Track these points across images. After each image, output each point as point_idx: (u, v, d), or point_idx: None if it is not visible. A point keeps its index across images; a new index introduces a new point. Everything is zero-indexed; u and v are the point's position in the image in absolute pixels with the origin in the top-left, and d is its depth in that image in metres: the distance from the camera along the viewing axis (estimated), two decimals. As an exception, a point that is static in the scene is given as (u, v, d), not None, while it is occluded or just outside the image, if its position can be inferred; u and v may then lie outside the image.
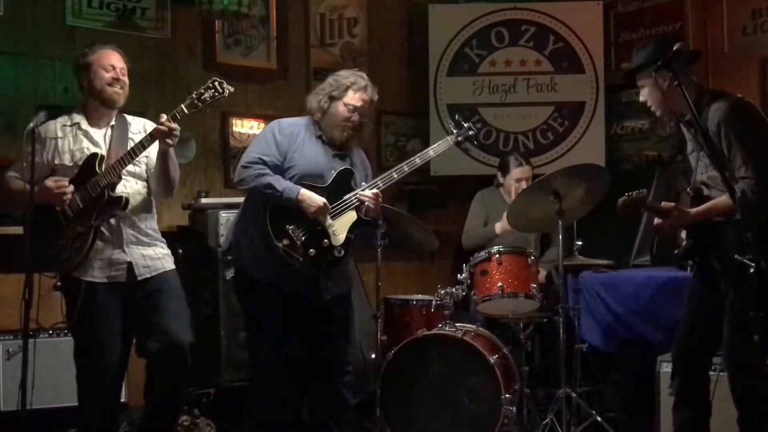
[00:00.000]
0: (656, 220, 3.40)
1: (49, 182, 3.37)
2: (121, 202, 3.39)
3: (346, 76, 3.74)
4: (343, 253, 3.59)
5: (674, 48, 3.10)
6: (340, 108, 3.67)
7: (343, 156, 3.75)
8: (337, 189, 3.63)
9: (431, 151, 3.84)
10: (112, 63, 3.47)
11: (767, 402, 3.26)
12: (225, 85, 3.31)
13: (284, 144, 3.65)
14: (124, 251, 3.45)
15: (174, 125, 3.29)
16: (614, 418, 4.24)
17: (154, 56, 5.00)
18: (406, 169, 3.75)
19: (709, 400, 3.44)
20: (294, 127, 3.74)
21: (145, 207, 3.54)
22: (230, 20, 5.16)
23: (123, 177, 3.41)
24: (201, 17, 5.08)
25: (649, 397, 4.06)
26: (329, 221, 3.57)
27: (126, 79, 3.50)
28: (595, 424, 4.06)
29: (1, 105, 4.49)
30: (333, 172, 3.66)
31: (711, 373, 3.51)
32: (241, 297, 3.86)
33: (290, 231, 3.53)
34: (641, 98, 3.41)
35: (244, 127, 5.22)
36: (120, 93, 3.49)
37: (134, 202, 3.47)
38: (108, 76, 3.44)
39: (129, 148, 3.40)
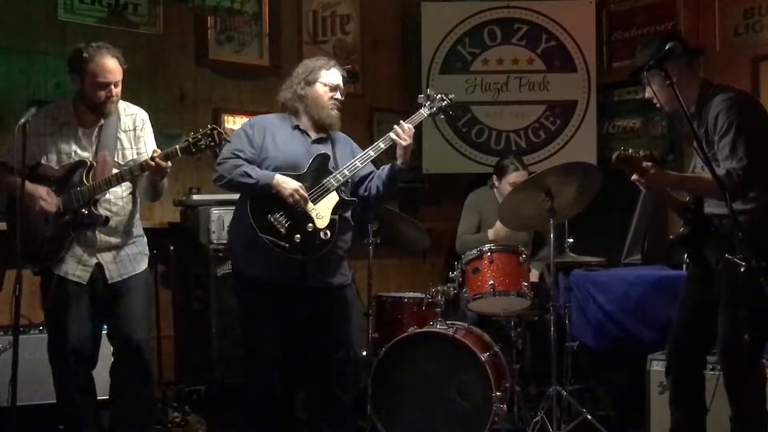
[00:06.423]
0: (634, 177, 3.32)
1: (41, 191, 3.36)
2: (102, 220, 3.41)
3: (312, 61, 3.82)
4: (329, 235, 3.55)
5: (667, 47, 3.11)
6: (320, 89, 3.70)
7: (321, 140, 3.73)
8: (315, 174, 3.60)
9: (406, 125, 3.64)
10: (108, 79, 3.39)
11: (760, 400, 3.28)
12: (223, 135, 3.34)
13: (257, 138, 3.65)
14: (95, 254, 3.46)
15: (165, 164, 3.31)
16: (605, 416, 4.24)
17: (146, 52, 4.98)
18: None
19: (704, 397, 3.44)
20: (266, 120, 3.76)
21: (125, 209, 3.53)
22: (223, 16, 5.15)
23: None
24: (193, 13, 5.07)
25: (640, 395, 4.07)
26: (311, 205, 3.54)
27: (119, 90, 3.45)
28: (585, 422, 4.06)
29: (-7, 100, 4.47)
30: (311, 159, 3.66)
31: (709, 371, 3.52)
32: (237, 297, 3.85)
33: (273, 220, 3.51)
34: (646, 95, 3.34)
35: (236, 123, 5.19)
36: (112, 106, 3.46)
37: (114, 208, 3.48)
38: (102, 95, 3.39)
39: (115, 172, 3.39)
